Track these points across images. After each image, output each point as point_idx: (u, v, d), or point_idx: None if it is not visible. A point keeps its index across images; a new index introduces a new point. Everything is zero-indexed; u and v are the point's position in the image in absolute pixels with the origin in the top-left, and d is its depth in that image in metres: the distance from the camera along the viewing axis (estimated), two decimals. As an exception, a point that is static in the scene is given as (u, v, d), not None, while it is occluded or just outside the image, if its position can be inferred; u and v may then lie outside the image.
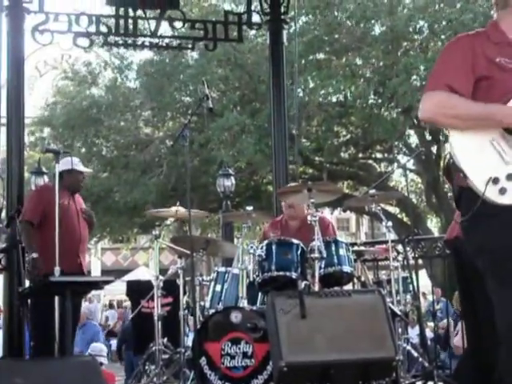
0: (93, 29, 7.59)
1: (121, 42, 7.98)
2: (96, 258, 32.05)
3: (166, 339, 6.38)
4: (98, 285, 5.74)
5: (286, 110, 8.07)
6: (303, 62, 16.41)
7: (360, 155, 20.73)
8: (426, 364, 5.57)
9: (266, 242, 5.65)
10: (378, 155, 21.30)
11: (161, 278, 6.45)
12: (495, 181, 2.86)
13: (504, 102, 2.98)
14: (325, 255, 5.32)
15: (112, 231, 22.32)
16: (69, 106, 19.61)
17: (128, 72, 19.93)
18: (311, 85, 17.28)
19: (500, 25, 3.20)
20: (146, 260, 31.28)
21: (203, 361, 5.34)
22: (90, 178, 19.33)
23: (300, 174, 17.59)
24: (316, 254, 5.24)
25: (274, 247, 5.52)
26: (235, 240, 14.66)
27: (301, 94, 16.59)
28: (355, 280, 5.94)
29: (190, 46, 8.71)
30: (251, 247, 5.71)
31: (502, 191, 2.85)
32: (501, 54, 3.08)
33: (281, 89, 8.09)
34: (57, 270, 5.04)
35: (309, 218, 5.42)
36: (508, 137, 2.94)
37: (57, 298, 5.34)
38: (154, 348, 6.21)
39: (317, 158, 19.35)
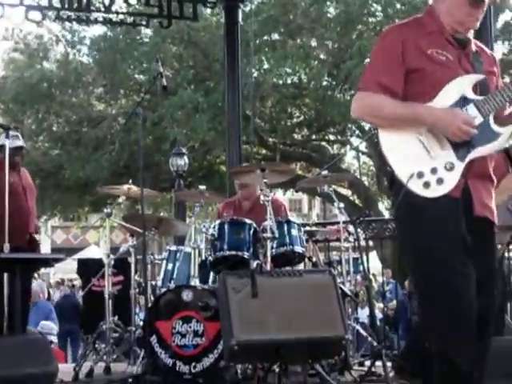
0: (45, 2, 7.47)
1: (74, 16, 7.87)
2: (46, 236, 31.67)
3: (116, 318, 6.37)
4: (48, 262, 5.69)
5: (240, 90, 8.09)
6: (258, 41, 16.38)
7: (313, 137, 20.81)
8: (375, 343, 5.65)
9: (218, 221, 5.66)
10: (331, 137, 21.39)
11: (112, 256, 6.42)
12: (419, 175, 2.97)
13: (432, 97, 3.04)
14: (277, 235, 5.34)
15: (63, 209, 22.07)
16: (19, 81, 19.24)
17: (80, 47, 19.65)
18: (266, 65, 17.27)
19: (435, 11, 3.21)
20: (97, 239, 30.95)
21: (154, 339, 5.33)
22: (40, 155, 19.10)
23: (253, 155, 17.59)
24: (268, 234, 5.25)
25: (226, 227, 5.53)
26: (187, 219, 14.67)
27: (255, 75, 16.56)
28: (306, 260, 5.97)
29: (144, 22, 8.61)
30: (204, 226, 5.70)
31: (426, 185, 2.96)
32: (433, 45, 3.12)
33: (235, 68, 8.09)
34: (6, 246, 4.98)
35: (261, 197, 5.43)
36: (435, 132, 3.02)
37: (6, 275, 5.25)
38: (104, 326, 6.18)
39: (270, 139, 19.37)
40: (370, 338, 5.90)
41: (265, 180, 5.48)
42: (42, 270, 18.84)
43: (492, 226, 3.12)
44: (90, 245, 27.40)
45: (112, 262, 6.35)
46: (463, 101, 3.06)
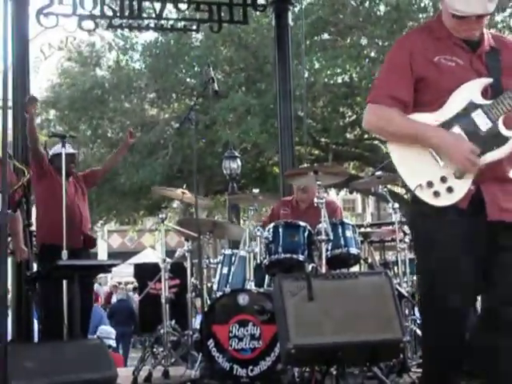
0: (97, 11, 7.56)
1: (125, 24, 7.96)
2: (103, 241, 32.12)
3: (173, 322, 6.40)
4: (104, 268, 5.76)
5: (292, 91, 8.06)
6: (308, 42, 16.32)
7: (366, 136, 20.65)
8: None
9: (272, 224, 5.65)
10: (384, 136, 21.16)
11: (168, 260, 6.46)
12: (429, 184, 3.00)
13: (441, 105, 3.04)
14: (332, 237, 5.32)
15: (118, 213, 22.35)
16: (73, 88, 19.56)
17: (132, 53, 19.87)
18: (316, 65, 17.20)
19: (441, 16, 3.16)
20: (153, 242, 31.34)
21: (211, 343, 5.37)
22: (96, 161, 19.37)
23: (305, 156, 17.54)
24: (323, 236, 5.23)
25: (280, 229, 5.53)
26: (241, 222, 14.70)
27: (306, 75, 16.51)
28: (362, 262, 5.93)
29: (194, 27, 8.66)
30: (258, 230, 5.71)
31: (436, 194, 2.99)
32: (441, 51, 3.09)
33: (286, 69, 8.07)
34: (64, 253, 5.06)
35: (315, 200, 5.41)
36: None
37: (65, 282, 5.34)
38: (161, 330, 6.22)
39: (322, 139, 19.29)
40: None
41: (318, 182, 5.46)
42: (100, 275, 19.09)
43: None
44: (145, 248, 27.76)
45: (168, 267, 6.39)
46: (471, 107, 3.03)
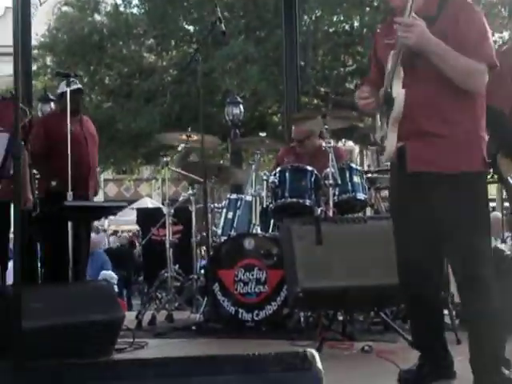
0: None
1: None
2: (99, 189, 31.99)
3: (177, 266, 6.38)
4: (111, 210, 5.69)
5: (297, 39, 7.93)
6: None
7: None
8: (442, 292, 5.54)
9: (279, 168, 5.58)
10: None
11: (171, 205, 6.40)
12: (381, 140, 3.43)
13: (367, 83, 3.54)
14: (339, 182, 5.24)
15: (116, 161, 22.23)
16: (70, 33, 19.28)
17: (130, -2, 19.58)
18: (318, 13, 16.97)
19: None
20: (149, 191, 31.29)
21: (216, 287, 5.36)
22: (93, 108, 19.20)
23: (305, 104, 17.40)
24: (330, 181, 5.15)
25: (287, 174, 5.45)
26: (244, 169, 14.62)
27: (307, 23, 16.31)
28: (368, 208, 5.88)
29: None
30: (264, 174, 5.65)
31: (382, 151, 3.46)
32: (387, 34, 3.38)
33: (292, 16, 7.93)
34: (69, 194, 5.00)
35: (323, 144, 5.34)
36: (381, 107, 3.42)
37: (70, 223, 5.26)
38: (166, 275, 6.20)
39: (322, 89, 19.12)
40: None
41: (326, 126, 5.38)
42: (96, 222, 19.13)
43: (436, 176, 3.22)
44: (142, 197, 27.69)
45: (172, 211, 6.34)
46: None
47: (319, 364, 1.94)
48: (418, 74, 3.21)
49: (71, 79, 5.83)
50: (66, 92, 5.64)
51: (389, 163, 3.67)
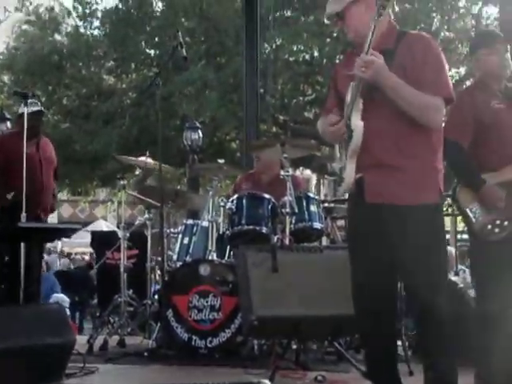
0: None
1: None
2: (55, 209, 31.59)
3: (131, 291, 6.31)
4: (65, 232, 5.61)
5: (258, 66, 7.97)
6: (270, 18, 16.19)
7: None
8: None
9: (236, 195, 5.59)
10: (343, 116, 21.19)
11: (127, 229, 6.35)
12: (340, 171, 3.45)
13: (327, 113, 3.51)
14: (296, 210, 5.26)
15: (71, 182, 22.00)
16: (30, 52, 19.13)
17: (92, 20, 19.50)
18: (278, 42, 17.10)
19: None
20: (105, 213, 30.99)
21: (170, 313, 5.31)
22: (50, 127, 19.01)
23: (264, 132, 17.45)
24: (287, 209, 5.17)
25: (244, 201, 5.47)
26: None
27: (268, 51, 16.41)
28: (324, 237, 5.90)
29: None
30: (222, 200, 5.65)
31: (340, 182, 3.43)
32: (347, 65, 3.38)
33: (254, 43, 7.98)
34: (23, 215, 4.92)
35: (282, 172, 5.36)
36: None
37: (22, 245, 5.17)
38: (119, 299, 6.13)
39: (281, 117, 19.22)
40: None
41: (285, 155, 5.40)
42: (49, 244, 18.89)
43: (395, 208, 3.24)
44: (97, 219, 27.42)
45: (127, 235, 6.28)
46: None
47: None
48: (377, 106, 3.24)
49: (31, 100, 5.76)
50: (23, 114, 5.57)
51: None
